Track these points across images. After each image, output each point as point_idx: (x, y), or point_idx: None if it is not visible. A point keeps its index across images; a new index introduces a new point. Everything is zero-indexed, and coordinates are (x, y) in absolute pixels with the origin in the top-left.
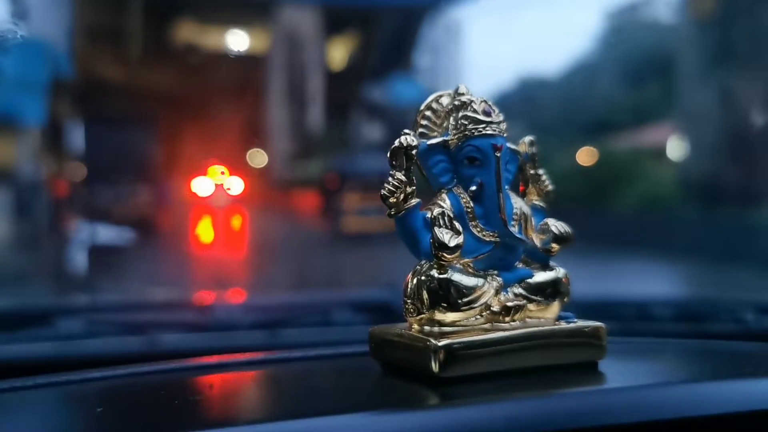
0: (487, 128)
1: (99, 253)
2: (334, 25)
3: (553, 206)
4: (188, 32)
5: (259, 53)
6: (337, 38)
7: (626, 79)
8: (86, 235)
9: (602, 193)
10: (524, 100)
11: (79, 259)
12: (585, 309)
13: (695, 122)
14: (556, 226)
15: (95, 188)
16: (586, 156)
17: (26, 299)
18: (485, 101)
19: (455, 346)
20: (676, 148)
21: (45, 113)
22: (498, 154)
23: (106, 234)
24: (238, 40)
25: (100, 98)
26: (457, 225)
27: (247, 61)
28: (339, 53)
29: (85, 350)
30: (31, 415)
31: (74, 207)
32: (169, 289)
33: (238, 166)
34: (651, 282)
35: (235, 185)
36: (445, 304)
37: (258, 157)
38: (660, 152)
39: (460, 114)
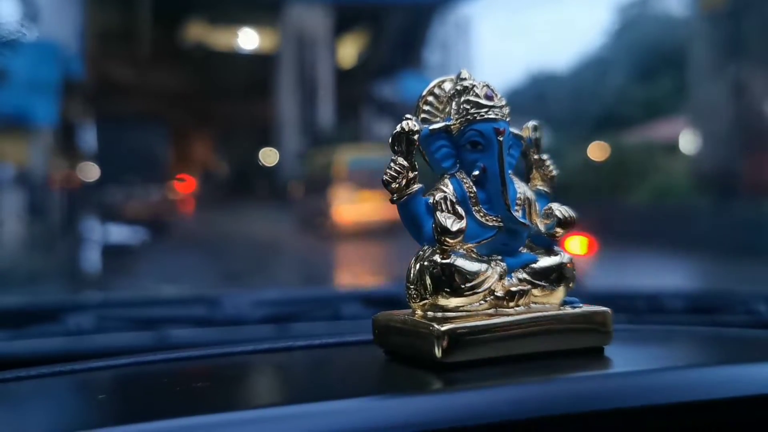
0: (490, 112)
1: (111, 252)
2: (343, 22)
3: (565, 200)
4: (198, 32)
5: (269, 52)
6: (347, 36)
7: (638, 73)
8: (98, 234)
9: (614, 188)
10: (535, 96)
11: (91, 258)
12: (595, 300)
13: (707, 115)
14: (560, 210)
15: (107, 187)
16: (597, 151)
17: (38, 296)
18: (487, 85)
19: (459, 331)
20: (688, 142)
21: (57, 114)
22: (500, 139)
23: (118, 233)
24: (247, 40)
25: (112, 98)
26: (460, 210)
27: (257, 60)
28: (349, 51)
29: (95, 345)
30: (34, 403)
31: (86, 206)
32: (179, 284)
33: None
34: (663, 275)
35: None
36: (448, 290)
37: (270, 156)
38: (672, 146)
39: (462, 99)
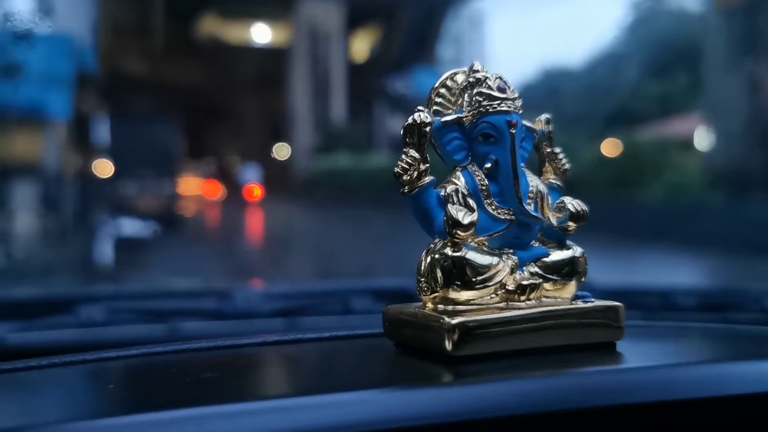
0: (502, 104)
1: (123, 245)
2: (357, 17)
3: (578, 196)
4: (212, 26)
5: (282, 46)
6: (360, 31)
7: (652, 69)
8: (111, 227)
9: (628, 184)
10: (548, 92)
11: (103, 251)
12: (607, 297)
13: (722, 112)
14: (572, 204)
15: (120, 181)
16: (610, 147)
17: (50, 288)
18: (500, 77)
19: (469, 324)
20: (703, 139)
21: (71, 107)
22: (513, 131)
23: (131, 226)
24: (260, 34)
25: (125, 92)
26: (471, 202)
27: (270, 55)
28: (362, 45)
29: (106, 337)
30: (45, 392)
31: (99, 199)
32: (190, 278)
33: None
34: (677, 272)
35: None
36: (459, 283)
37: (282, 150)
38: (687, 143)
39: (475, 91)
